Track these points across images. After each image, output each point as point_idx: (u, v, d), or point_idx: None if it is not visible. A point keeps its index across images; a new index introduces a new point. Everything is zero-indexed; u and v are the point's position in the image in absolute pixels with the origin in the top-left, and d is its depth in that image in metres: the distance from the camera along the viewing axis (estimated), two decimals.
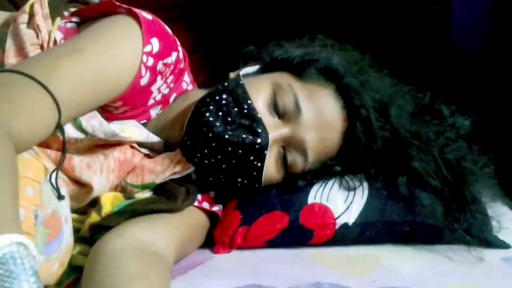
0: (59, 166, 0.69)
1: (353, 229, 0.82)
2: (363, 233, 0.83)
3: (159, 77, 0.79)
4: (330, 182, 0.85)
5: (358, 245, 0.84)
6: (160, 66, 0.77)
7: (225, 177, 0.81)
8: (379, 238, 0.84)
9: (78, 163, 0.75)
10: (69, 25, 0.81)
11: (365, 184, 0.85)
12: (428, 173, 0.83)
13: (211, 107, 0.78)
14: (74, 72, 0.69)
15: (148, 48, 0.74)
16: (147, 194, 0.80)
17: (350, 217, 0.83)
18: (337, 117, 0.81)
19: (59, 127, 0.66)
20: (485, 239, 0.82)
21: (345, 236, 0.83)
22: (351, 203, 0.83)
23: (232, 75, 0.86)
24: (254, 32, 1.11)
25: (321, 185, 0.85)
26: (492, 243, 0.83)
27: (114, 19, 0.77)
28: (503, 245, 0.83)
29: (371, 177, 0.86)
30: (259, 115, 0.77)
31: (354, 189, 0.84)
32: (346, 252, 0.82)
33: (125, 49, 0.75)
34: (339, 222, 0.82)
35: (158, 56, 0.76)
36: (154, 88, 0.80)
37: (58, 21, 0.79)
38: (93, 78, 0.71)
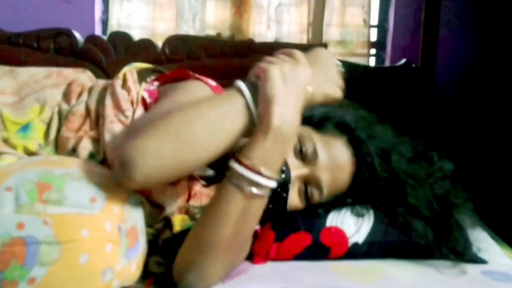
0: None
1: (362, 247, 0.91)
2: (370, 249, 0.91)
3: None
4: (344, 209, 0.93)
5: (366, 259, 0.91)
6: None
7: None
8: (383, 254, 0.92)
9: (154, 189, 0.83)
10: (151, 87, 0.93)
11: (371, 212, 0.93)
12: (420, 206, 0.90)
13: None
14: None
15: None
16: None
17: (359, 238, 0.91)
18: (347, 162, 0.90)
19: None
20: (467, 256, 0.89)
21: (356, 252, 0.91)
22: (360, 226, 0.91)
23: None
24: None
25: (336, 211, 0.93)
26: (473, 259, 0.90)
27: (193, 83, 0.88)
28: (481, 261, 0.91)
29: (375, 208, 0.93)
30: (285, 158, 0.86)
31: (363, 215, 0.92)
32: (357, 265, 0.90)
33: None
34: (351, 241, 0.91)
35: None
36: None
37: (144, 85, 0.92)
38: None
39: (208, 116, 0.70)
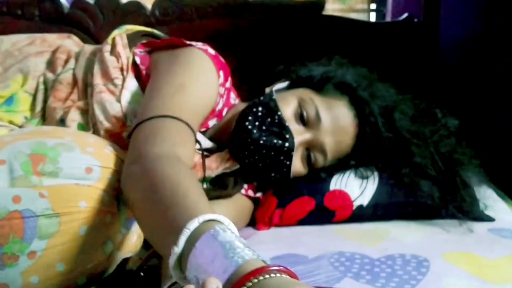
0: None
1: (367, 209, 0.91)
2: (375, 212, 0.91)
3: (220, 99, 0.89)
4: (347, 172, 0.93)
5: (371, 221, 0.91)
6: (221, 90, 0.87)
7: (261, 172, 0.89)
8: (388, 216, 0.92)
9: None
10: (142, 53, 0.90)
11: (376, 173, 0.93)
12: (426, 165, 0.89)
13: (250, 118, 0.87)
14: (188, 104, 0.77)
15: (220, 80, 0.85)
16: (205, 185, 0.88)
17: (364, 200, 0.91)
18: (350, 124, 0.89)
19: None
20: (474, 214, 0.89)
21: (361, 215, 0.91)
22: (365, 188, 0.91)
23: (267, 90, 0.94)
24: (283, 54, 1.19)
25: (340, 174, 0.93)
26: (480, 217, 0.90)
27: (192, 53, 0.85)
28: (488, 219, 0.90)
29: (380, 169, 0.93)
30: (287, 124, 0.86)
31: (367, 177, 0.92)
32: (362, 227, 0.90)
33: (209, 82, 0.84)
34: (356, 204, 0.91)
35: (222, 84, 0.87)
36: (216, 107, 0.90)
37: (133, 49, 0.89)
38: (198, 104, 0.80)
39: (151, 223, 0.59)
